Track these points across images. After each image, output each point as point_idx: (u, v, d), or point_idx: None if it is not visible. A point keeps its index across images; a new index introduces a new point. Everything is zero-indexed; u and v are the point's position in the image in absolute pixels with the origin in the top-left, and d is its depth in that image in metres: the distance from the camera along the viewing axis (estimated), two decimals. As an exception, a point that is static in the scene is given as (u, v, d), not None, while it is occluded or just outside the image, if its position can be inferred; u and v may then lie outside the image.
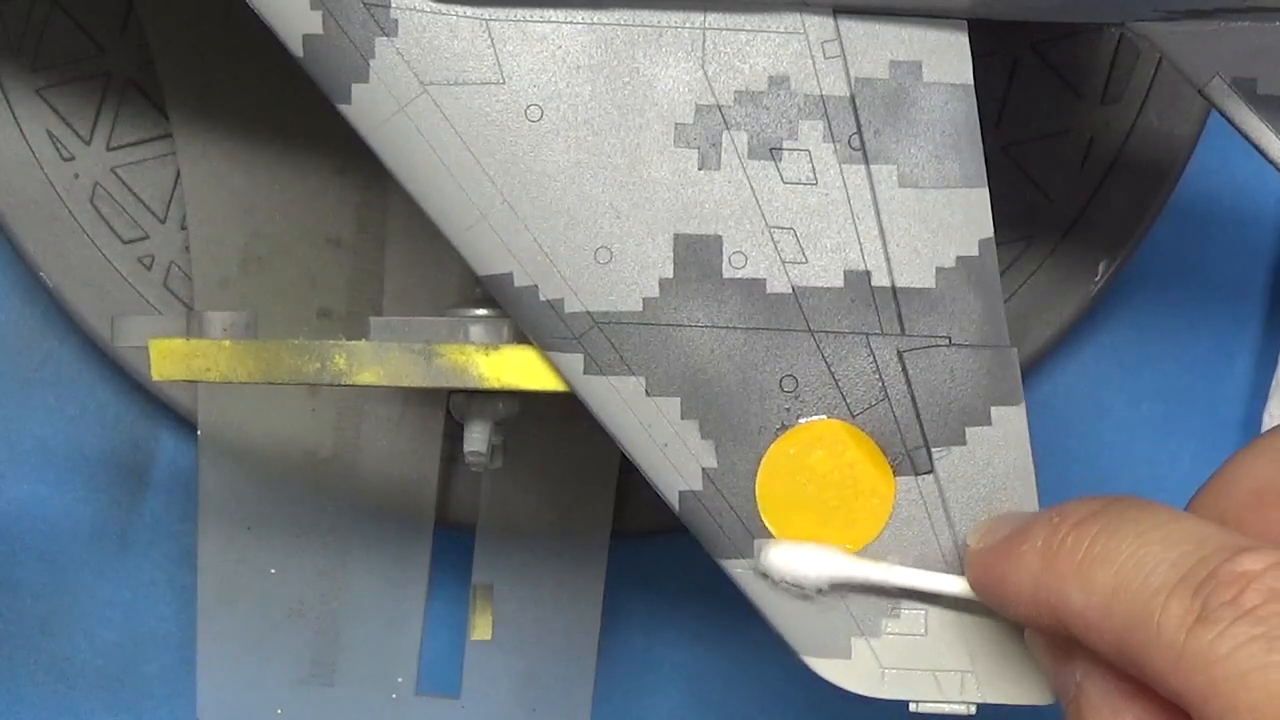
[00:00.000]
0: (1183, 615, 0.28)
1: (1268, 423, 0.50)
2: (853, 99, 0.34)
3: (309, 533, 0.49)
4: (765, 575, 0.34)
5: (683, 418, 0.34)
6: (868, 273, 0.34)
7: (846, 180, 0.34)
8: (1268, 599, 0.27)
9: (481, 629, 0.49)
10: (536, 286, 0.34)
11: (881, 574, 0.34)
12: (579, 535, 0.49)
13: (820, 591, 0.34)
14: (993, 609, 0.33)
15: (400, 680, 0.49)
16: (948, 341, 0.34)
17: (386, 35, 0.33)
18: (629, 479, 0.49)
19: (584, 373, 0.34)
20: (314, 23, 0.33)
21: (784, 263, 0.34)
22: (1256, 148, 0.34)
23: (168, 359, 0.36)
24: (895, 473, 0.34)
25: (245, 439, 0.48)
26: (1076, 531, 0.30)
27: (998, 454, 0.34)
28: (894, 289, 0.34)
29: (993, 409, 0.34)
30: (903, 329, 0.34)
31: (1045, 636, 0.32)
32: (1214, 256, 0.52)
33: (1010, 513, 0.34)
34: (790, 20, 0.34)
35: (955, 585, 0.33)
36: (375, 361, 0.35)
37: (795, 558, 0.34)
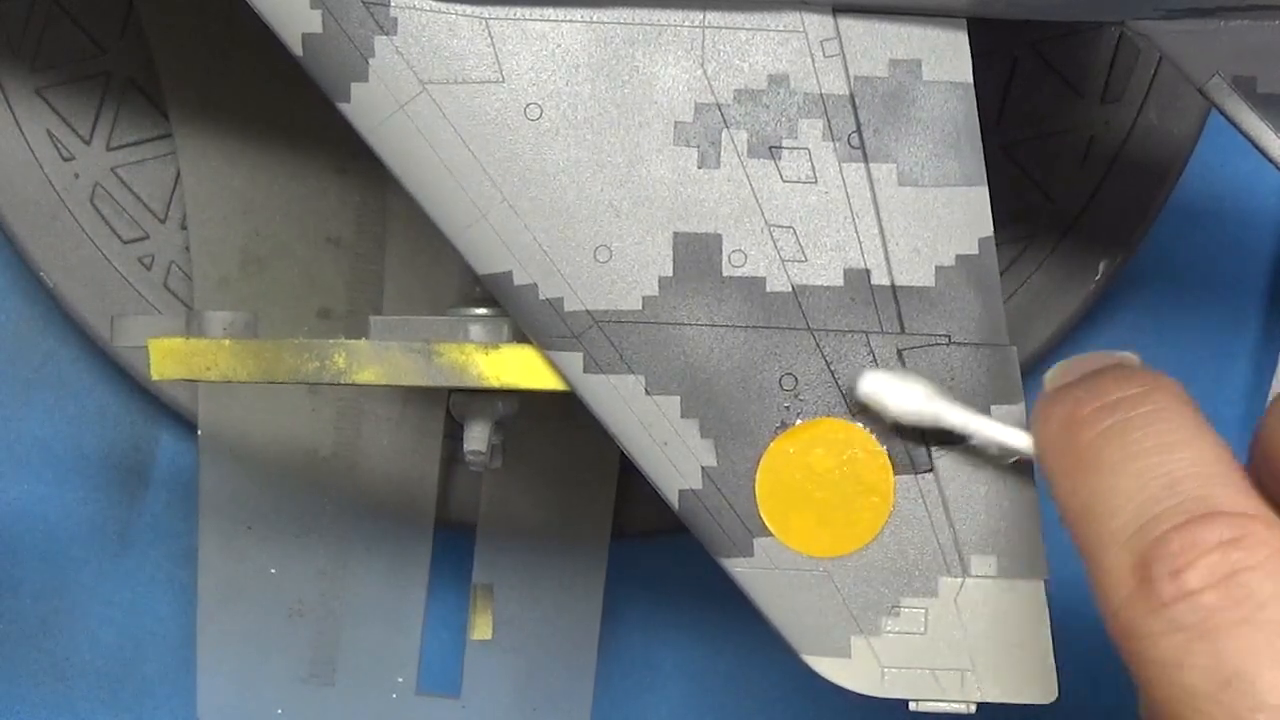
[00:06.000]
0: (1126, 575, 0.27)
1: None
2: (852, 97, 0.34)
3: (309, 532, 0.49)
4: (857, 400, 0.33)
5: (682, 416, 0.34)
6: (867, 271, 0.34)
7: (846, 179, 0.34)
8: (1207, 584, 0.26)
9: (482, 629, 0.49)
10: (536, 285, 0.33)
11: (960, 418, 0.33)
12: (579, 535, 0.49)
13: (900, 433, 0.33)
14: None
15: (400, 680, 0.49)
16: (947, 340, 0.34)
17: (386, 34, 0.33)
18: (629, 479, 0.49)
19: (584, 371, 0.34)
20: (313, 22, 0.33)
21: (783, 261, 0.34)
22: (1256, 146, 0.34)
23: (167, 358, 0.36)
24: (895, 471, 0.34)
25: (245, 439, 0.48)
26: (1094, 416, 0.29)
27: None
28: (893, 287, 0.34)
29: (992, 408, 0.34)
30: (902, 327, 0.34)
31: None
32: (1214, 256, 0.52)
33: (1094, 355, 0.32)
34: (790, 19, 0.33)
35: (1025, 442, 0.33)
36: (375, 361, 0.35)
37: (887, 387, 0.33)
